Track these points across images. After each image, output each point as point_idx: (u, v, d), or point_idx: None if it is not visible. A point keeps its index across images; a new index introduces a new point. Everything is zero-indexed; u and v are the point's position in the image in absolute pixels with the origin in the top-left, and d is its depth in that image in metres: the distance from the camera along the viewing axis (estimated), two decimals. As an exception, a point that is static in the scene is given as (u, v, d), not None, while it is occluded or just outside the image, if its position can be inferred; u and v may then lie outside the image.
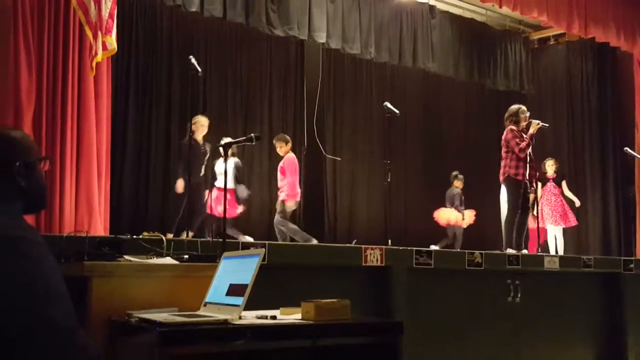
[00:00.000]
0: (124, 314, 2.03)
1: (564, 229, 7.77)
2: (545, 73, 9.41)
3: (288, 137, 6.83)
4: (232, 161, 6.55)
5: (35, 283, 1.39)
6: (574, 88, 9.09)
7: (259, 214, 7.49)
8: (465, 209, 8.41)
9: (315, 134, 7.88)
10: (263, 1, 6.58)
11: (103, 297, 2.11)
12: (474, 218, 8.46)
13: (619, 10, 7.79)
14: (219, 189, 6.50)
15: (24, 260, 1.40)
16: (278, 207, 6.57)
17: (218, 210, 6.38)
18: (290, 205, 6.60)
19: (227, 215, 6.24)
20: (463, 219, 8.35)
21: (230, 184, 6.35)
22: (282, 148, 6.65)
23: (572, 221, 7.72)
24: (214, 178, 6.62)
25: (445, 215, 8.36)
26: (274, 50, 8.05)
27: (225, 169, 3.59)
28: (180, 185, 6.06)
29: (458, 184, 8.48)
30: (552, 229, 7.63)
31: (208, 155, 6.32)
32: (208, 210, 6.36)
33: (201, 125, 6.26)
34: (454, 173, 8.54)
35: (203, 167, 6.25)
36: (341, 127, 8.60)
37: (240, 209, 6.69)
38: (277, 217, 6.54)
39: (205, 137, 6.27)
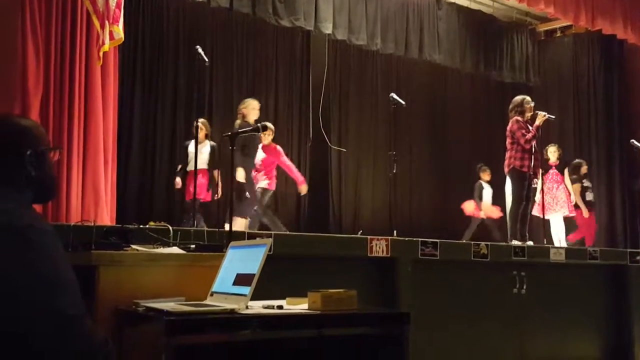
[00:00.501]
0: (131, 303, 2.04)
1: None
2: (551, 65, 9.34)
3: None
4: (208, 144, 6.26)
5: (43, 271, 1.40)
6: (581, 80, 9.02)
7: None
8: (481, 200, 8.32)
9: (321, 125, 7.87)
10: (269, -9, 6.57)
11: (110, 286, 2.11)
12: (499, 212, 8.17)
13: (626, 3, 7.73)
14: (191, 172, 6.13)
15: (32, 248, 1.40)
16: (259, 195, 6.29)
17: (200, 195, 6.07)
18: (270, 194, 6.46)
19: (200, 199, 5.94)
20: (479, 210, 8.24)
21: (204, 165, 6.14)
22: (270, 136, 6.40)
23: (572, 211, 7.54)
24: (186, 162, 6.23)
25: (466, 207, 8.29)
26: (280, 40, 8.02)
27: (232, 160, 3.57)
28: (241, 174, 5.86)
29: (482, 176, 8.36)
30: (553, 218, 7.45)
31: (260, 140, 6.12)
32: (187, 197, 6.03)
33: (252, 109, 6.13)
34: (478, 165, 8.42)
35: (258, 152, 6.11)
36: (347, 118, 8.58)
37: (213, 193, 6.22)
38: (258, 208, 6.22)
39: (257, 121, 6.09)
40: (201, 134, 6.27)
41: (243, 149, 5.97)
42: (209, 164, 6.22)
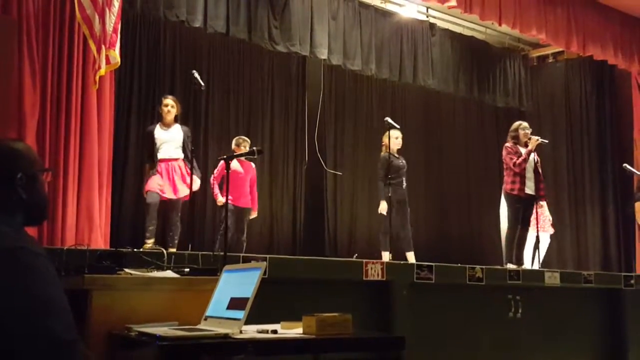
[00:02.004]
0: (124, 327, 2.02)
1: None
2: (544, 90, 9.46)
3: None
4: (180, 128, 5.43)
5: (36, 294, 1.39)
6: (573, 105, 9.13)
7: (259, 227, 7.47)
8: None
9: (317, 149, 7.90)
10: (265, 17, 6.64)
11: (103, 311, 2.10)
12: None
13: (617, 29, 7.87)
14: (162, 160, 5.32)
15: (25, 271, 1.40)
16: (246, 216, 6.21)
17: (165, 189, 5.29)
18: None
19: (175, 196, 5.23)
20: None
21: (179, 154, 5.36)
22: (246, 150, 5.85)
23: (545, 229, 6.99)
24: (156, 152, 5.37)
25: None
26: (276, 65, 8.10)
27: (227, 180, 3.58)
28: (384, 207, 5.81)
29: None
30: (542, 236, 6.79)
31: (406, 169, 6.21)
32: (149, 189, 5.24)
33: (395, 138, 6.12)
34: None
35: (404, 179, 6.18)
36: (342, 142, 8.62)
37: (185, 190, 5.32)
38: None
39: (400, 151, 6.26)
40: (170, 116, 5.39)
41: (385, 178, 5.96)
42: (184, 153, 5.36)
